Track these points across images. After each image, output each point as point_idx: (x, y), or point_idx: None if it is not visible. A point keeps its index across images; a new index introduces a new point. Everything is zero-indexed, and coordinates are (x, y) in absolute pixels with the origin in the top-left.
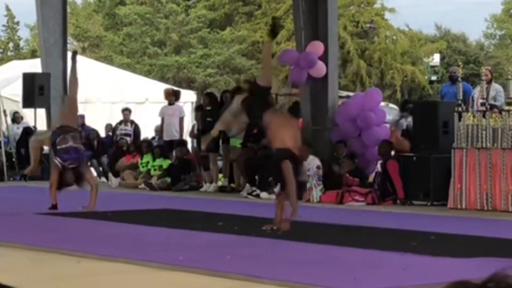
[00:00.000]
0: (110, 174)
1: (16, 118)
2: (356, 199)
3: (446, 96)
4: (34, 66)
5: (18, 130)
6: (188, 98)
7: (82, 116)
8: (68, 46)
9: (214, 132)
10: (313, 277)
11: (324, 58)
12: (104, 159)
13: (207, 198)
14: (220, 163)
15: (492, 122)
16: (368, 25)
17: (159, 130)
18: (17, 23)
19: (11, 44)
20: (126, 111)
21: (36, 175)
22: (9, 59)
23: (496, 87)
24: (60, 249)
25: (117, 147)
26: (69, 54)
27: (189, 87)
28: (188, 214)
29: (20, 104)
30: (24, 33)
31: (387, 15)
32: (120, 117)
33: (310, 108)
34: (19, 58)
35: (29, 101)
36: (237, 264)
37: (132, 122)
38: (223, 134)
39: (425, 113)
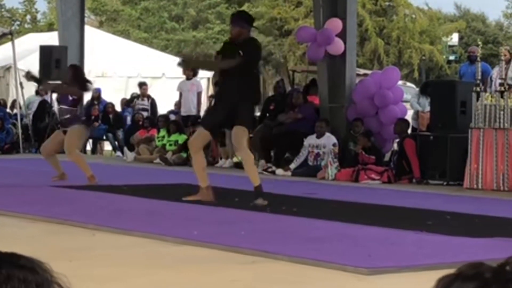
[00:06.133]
0: (125, 148)
1: (41, 91)
2: (372, 177)
3: (464, 76)
4: (51, 39)
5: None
6: (205, 73)
7: (98, 90)
8: (86, 19)
9: None
10: (327, 254)
11: (342, 35)
12: (120, 133)
13: (223, 174)
14: None
15: (510, 103)
16: (387, 3)
17: (177, 105)
18: None
19: (28, 17)
20: (144, 86)
21: None
22: (26, 31)
23: None
24: (75, 221)
25: (134, 122)
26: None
27: None
28: None
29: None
30: (41, 6)
31: None
32: (136, 91)
33: (327, 86)
34: (36, 31)
35: (45, 74)
36: (251, 240)
37: (149, 97)
38: None
39: (443, 93)
